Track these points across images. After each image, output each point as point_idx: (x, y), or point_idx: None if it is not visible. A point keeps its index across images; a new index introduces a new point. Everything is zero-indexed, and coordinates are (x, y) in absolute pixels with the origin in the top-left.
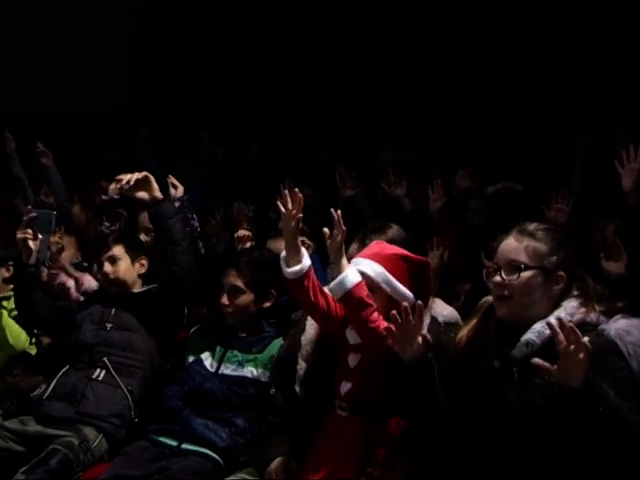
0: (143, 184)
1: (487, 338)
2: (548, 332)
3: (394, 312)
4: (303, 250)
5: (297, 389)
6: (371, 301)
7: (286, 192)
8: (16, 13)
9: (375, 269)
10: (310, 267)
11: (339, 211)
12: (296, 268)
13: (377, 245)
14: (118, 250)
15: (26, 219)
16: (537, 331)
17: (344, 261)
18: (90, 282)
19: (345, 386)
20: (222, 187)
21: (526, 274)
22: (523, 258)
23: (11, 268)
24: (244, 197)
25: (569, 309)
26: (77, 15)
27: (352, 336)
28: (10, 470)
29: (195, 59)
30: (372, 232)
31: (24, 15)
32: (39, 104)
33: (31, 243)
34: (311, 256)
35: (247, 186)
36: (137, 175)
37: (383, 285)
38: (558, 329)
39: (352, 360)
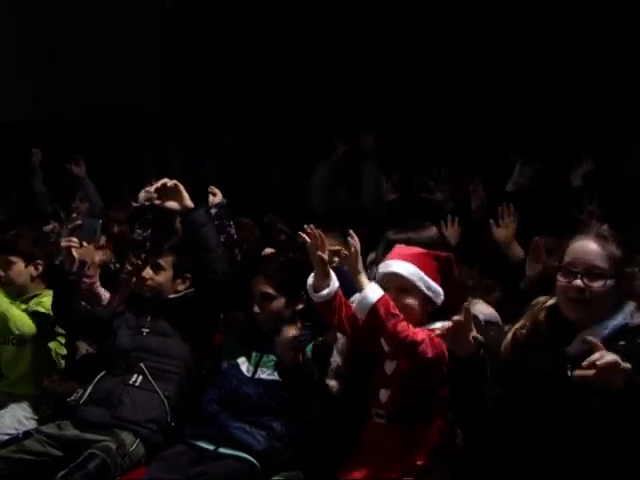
0: (173, 193)
1: (541, 337)
2: (605, 332)
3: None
4: (331, 273)
5: (329, 382)
6: (397, 311)
7: (308, 226)
8: (47, 15)
9: (408, 268)
10: (338, 288)
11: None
12: (324, 292)
13: (402, 247)
14: (166, 260)
15: (71, 227)
16: (594, 330)
17: (363, 278)
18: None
19: (384, 394)
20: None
21: (610, 282)
22: (607, 265)
23: (39, 267)
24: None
25: (627, 310)
26: (108, 16)
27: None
28: (48, 475)
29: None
30: (406, 231)
31: (57, 17)
32: (70, 107)
33: (74, 251)
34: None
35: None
36: (166, 181)
37: (418, 283)
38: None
39: (389, 367)
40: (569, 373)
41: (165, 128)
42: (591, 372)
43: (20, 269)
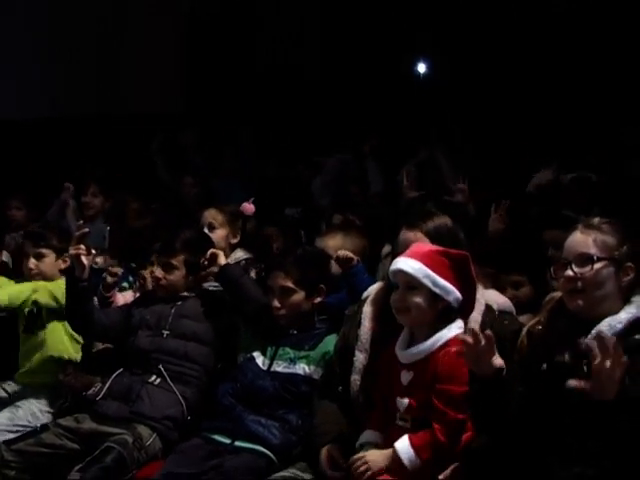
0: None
1: (556, 333)
2: (620, 326)
3: (461, 336)
4: None
5: (353, 377)
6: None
7: None
8: (70, 15)
9: (413, 265)
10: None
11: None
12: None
13: (415, 245)
14: (178, 259)
15: (79, 234)
16: (608, 324)
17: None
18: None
19: (402, 403)
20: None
21: (597, 265)
22: (593, 250)
23: (67, 260)
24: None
25: None
26: (129, 16)
27: (403, 355)
28: (65, 468)
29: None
30: (416, 217)
31: (68, 17)
32: (90, 106)
33: (84, 258)
34: (357, 268)
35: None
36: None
37: (424, 280)
38: (596, 348)
39: (405, 377)
40: (585, 369)
41: (181, 128)
42: (587, 384)
43: (51, 261)
